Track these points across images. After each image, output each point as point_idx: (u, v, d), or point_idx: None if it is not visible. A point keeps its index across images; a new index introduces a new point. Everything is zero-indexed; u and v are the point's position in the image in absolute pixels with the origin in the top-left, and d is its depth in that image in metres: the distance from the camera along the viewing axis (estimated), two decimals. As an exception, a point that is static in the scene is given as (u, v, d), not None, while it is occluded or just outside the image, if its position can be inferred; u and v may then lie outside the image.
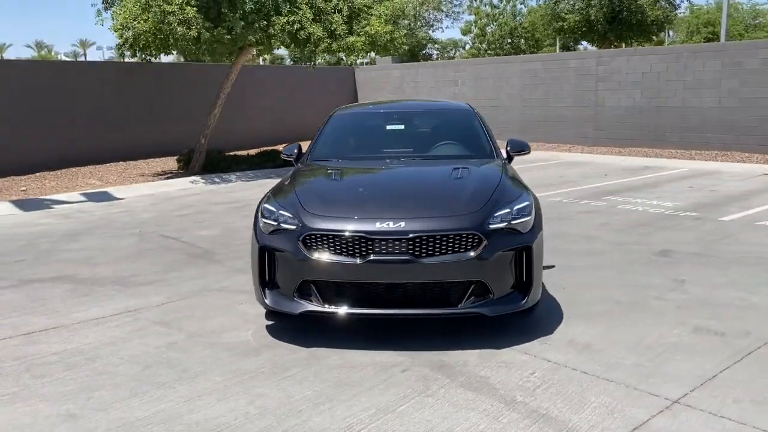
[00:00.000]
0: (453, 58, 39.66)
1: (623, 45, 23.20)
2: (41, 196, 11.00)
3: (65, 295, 5.63)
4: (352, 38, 12.98)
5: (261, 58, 19.00)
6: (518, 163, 14.37)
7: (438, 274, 4.23)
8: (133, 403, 3.67)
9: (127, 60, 15.56)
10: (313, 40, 12.89)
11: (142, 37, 11.94)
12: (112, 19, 12.36)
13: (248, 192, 11.27)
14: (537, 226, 4.56)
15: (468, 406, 3.57)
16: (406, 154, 5.80)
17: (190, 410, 3.58)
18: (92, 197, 10.92)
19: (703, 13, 36.33)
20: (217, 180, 13.10)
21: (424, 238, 4.20)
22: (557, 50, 30.49)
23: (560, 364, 4.08)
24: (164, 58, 17.31)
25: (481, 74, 19.40)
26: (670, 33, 41.23)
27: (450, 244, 4.24)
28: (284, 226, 4.44)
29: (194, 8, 11.78)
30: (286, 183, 5.12)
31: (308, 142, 6.37)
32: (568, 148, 17.07)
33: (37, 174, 14.15)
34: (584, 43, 26.81)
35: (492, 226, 4.33)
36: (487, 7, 32.94)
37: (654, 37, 24.99)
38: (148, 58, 13.32)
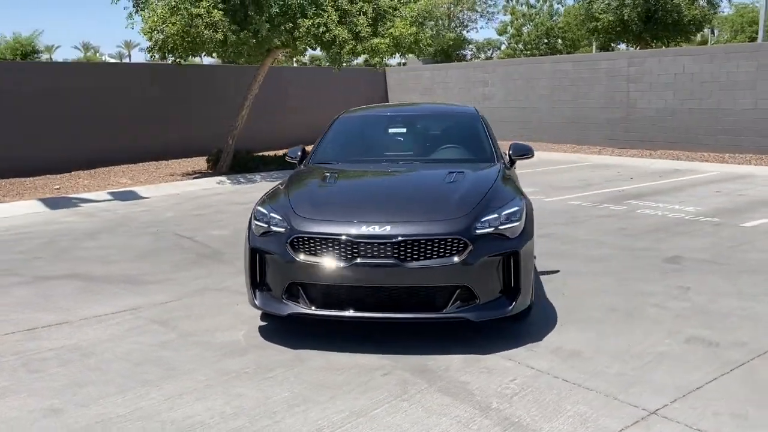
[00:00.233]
0: (490, 58, 39.45)
1: (661, 45, 22.71)
2: (70, 195, 11.33)
3: (74, 293, 5.80)
4: (376, 40, 13.03)
5: (294, 60, 19.13)
6: (542, 165, 14.40)
7: (423, 279, 4.25)
8: (116, 400, 3.77)
9: (160, 62, 15.88)
10: (338, 42, 12.99)
11: (170, 39, 12.19)
12: (143, 22, 12.64)
13: (270, 192, 11.41)
14: (527, 232, 4.53)
15: (441, 412, 3.58)
16: (406, 158, 5.82)
17: (168, 408, 3.67)
18: (119, 196, 11.20)
19: (748, 11, 35.33)
20: (242, 180, 13.29)
21: (409, 242, 4.22)
22: (594, 51, 30.04)
23: (543, 371, 4.06)
24: (205, 60, 17.66)
25: (511, 75, 19.25)
26: (715, 32, 40.26)
27: (435, 249, 4.25)
28: (274, 228, 4.51)
29: (221, 11, 11.98)
30: (282, 186, 5.19)
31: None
32: (598, 150, 16.82)
33: (72, 173, 14.57)
34: (623, 44, 26.32)
35: (478, 231, 4.32)
36: (524, 6, 32.66)
37: (692, 37, 24.41)
38: (178, 60, 13.60)
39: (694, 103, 15.52)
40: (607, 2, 21.94)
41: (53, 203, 10.43)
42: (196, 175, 14.11)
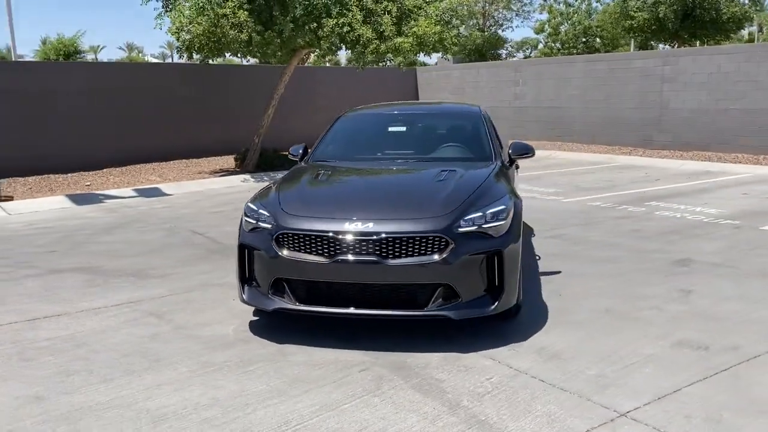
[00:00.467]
0: (529, 57, 39.04)
1: (699, 44, 22.19)
2: (96, 191, 11.64)
3: (80, 285, 5.98)
4: (399, 39, 13.05)
5: (327, 60, 19.25)
6: (569, 166, 14.23)
7: (404, 276, 4.26)
8: (99, 389, 3.89)
9: (196, 63, 16.19)
10: (362, 41, 13.05)
11: (196, 39, 12.42)
12: (171, 22, 12.90)
13: (290, 190, 11.53)
14: (513, 231, 4.51)
15: (410, 408, 3.60)
16: (404, 156, 5.84)
17: (146, 398, 3.76)
18: (143, 193, 11.46)
19: (797, 8, 34.18)
20: (266, 178, 13.45)
21: (391, 239, 4.24)
22: (632, 50, 29.51)
23: (521, 371, 4.03)
24: (241, 60, 17.87)
25: (543, 74, 19.04)
26: (764, 30, 39.06)
27: (416, 246, 4.26)
28: (261, 225, 4.58)
29: (246, 12, 12.16)
30: (274, 183, 5.26)
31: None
32: (629, 151, 16.52)
33: (104, 170, 14.97)
34: (662, 44, 25.76)
35: (461, 230, 4.32)
36: (561, 5, 32.25)
37: (732, 36, 23.75)
38: (205, 60, 13.85)
39: (728, 103, 15.13)
40: (642, 0, 21.51)
41: (79, 199, 10.73)
42: (223, 173, 14.34)
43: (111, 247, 7.45)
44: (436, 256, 4.24)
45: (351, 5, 12.97)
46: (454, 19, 14.58)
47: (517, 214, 4.67)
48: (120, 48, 71.88)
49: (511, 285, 4.45)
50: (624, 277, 6.00)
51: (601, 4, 30.69)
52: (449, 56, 16.44)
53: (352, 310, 4.35)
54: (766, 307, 5.14)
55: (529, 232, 7.94)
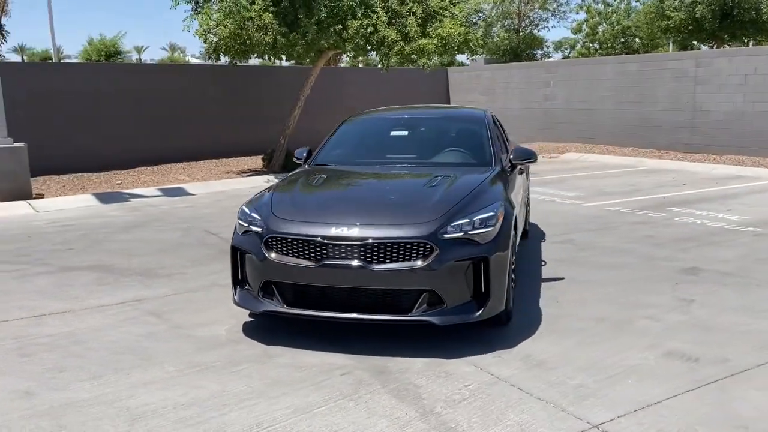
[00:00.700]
0: (567, 57, 38.52)
1: (739, 45, 21.60)
2: (123, 190, 11.93)
3: (89, 283, 6.15)
4: (423, 40, 13.05)
5: (359, 61, 19.34)
6: (596, 169, 14.06)
7: (388, 281, 4.29)
8: (85, 386, 4.01)
9: (221, 63, 16.45)
10: (386, 43, 13.09)
11: (222, 42, 12.63)
12: (199, 25, 13.14)
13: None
14: (501, 238, 4.49)
15: (383, 413, 3.62)
16: (404, 161, 5.86)
17: (130, 395, 3.87)
18: (168, 192, 11.71)
19: None
20: (290, 178, 13.58)
21: (376, 244, 4.28)
22: (670, 51, 28.88)
23: (501, 378, 4.02)
24: (273, 61, 18.11)
25: (574, 75, 18.81)
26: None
27: (401, 252, 4.28)
28: (252, 228, 4.66)
29: (271, 14, 12.31)
30: (270, 186, 5.34)
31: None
32: (660, 154, 16.21)
33: (137, 169, 15.31)
34: (703, 45, 25.15)
35: (447, 236, 4.33)
36: (600, 5, 31.74)
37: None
38: (233, 62, 14.06)
39: (765, 106, 14.72)
40: (679, 0, 21.05)
41: (105, 198, 11.02)
42: (250, 174, 14.54)
43: (126, 246, 7.65)
44: (420, 262, 4.25)
45: (376, 7, 13.02)
46: (481, 20, 14.49)
47: (508, 220, 4.65)
48: (163, 48, 73.52)
49: (498, 292, 4.44)
50: (627, 285, 5.91)
51: (641, 4, 30.07)
52: (477, 57, 16.33)
53: (337, 314, 4.40)
54: (768, 318, 5.02)
55: (539, 236, 7.88)
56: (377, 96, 20.01)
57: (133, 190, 12.03)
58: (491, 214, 4.53)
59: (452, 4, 13.62)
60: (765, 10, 20.24)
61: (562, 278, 6.13)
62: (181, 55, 64.42)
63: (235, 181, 13.32)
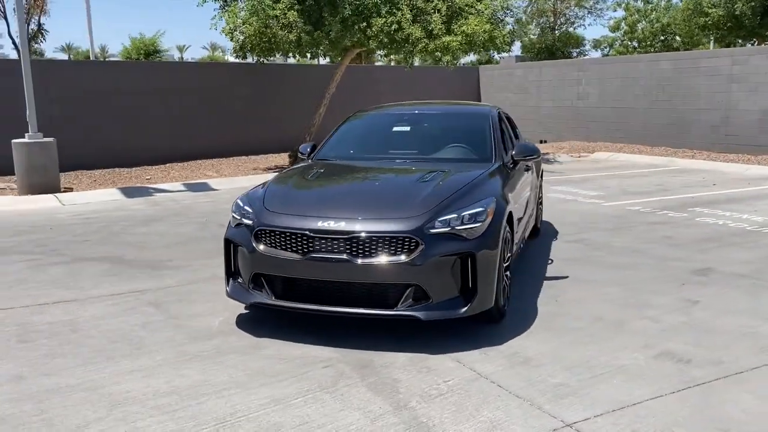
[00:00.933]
0: (606, 56, 37.86)
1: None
2: (149, 185, 12.17)
3: (98, 274, 6.29)
4: (447, 38, 12.98)
5: (391, 59, 19.34)
6: (625, 168, 13.82)
7: (374, 276, 4.29)
8: (75, 372, 4.10)
9: (245, 61, 16.65)
10: (411, 40, 13.07)
11: (247, 40, 12.78)
12: (226, 23, 13.32)
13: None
14: (490, 234, 4.45)
15: (357, 406, 3.62)
16: (404, 156, 5.85)
17: (115, 382, 3.95)
18: (192, 187, 11.89)
19: None
20: (314, 175, 13.66)
21: (361, 238, 4.28)
22: (711, 48, 28.12)
23: (483, 375, 3.99)
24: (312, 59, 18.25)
25: (606, 74, 18.48)
26: None
27: (386, 246, 4.27)
28: (244, 221, 4.71)
29: (296, 12, 12.40)
30: (267, 181, 5.39)
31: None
32: (692, 154, 15.82)
33: (167, 165, 15.59)
34: (748, 43, 24.39)
35: (433, 231, 4.30)
36: (639, 2, 31.11)
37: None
38: (261, 60, 14.20)
39: (804, 105, 14.26)
40: (717, -5, 20.50)
41: (130, 192, 11.25)
42: (275, 170, 14.67)
43: (142, 239, 7.80)
44: (405, 257, 4.24)
45: (401, 4, 13.01)
46: (508, 16, 14.36)
47: (499, 216, 4.60)
48: (204, 47, 74.71)
49: (486, 288, 4.40)
50: (634, 285, 5.79)
51: (680, 0, 29.34)
52: (504, 55, 16.21)
53: (323, 307, 4.41)
54: (773, 321, 4.86)
55: (551, 234, 7.77)
56: (407, 94, 19.97)
57: (158, 185, 12.26)
58: (480, 209, 4.49)
59: (478, 0, 13.52)
60: (808, 6, 19.58)
61: (566, 277, 6.04)
62: (221, 54, 65.36)
63: (260, 177, 13.42)
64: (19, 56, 11.98)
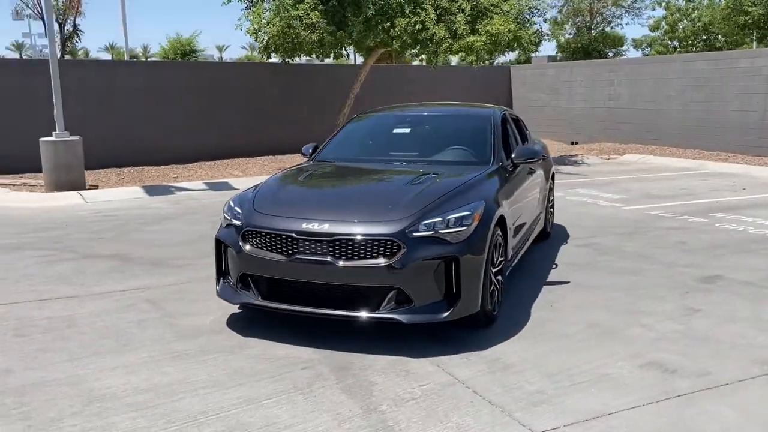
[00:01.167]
0: (646, 55, 37.12)
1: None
2: (171, 183, 12.38)
3: (103, 271, 6.43)
4: (472, 38, 12.89)
5: (421, 58, 19.31)
6: (653, 172, 13.57)
7: (356, 278, 4.29)
8: (61, 366, 4.20)
9: (272, 61, 16.77)
10: (435, 40, 13.01)
11: (271, 40, 12.90)
12: (251, 23, 13.46)
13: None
14: (476, 238, 4.40)
15: (327, 408, 3.63)
16: (402, 158, 5.83)
17: (96, 378, 4.03)
18: (214, 186, 12.06)
19: None
20: (336, 175, 13.71)
21: (344, 241, 4.28)
22: (754, 48, 27.30)
23: (460, 380, 3.95)
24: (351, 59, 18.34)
25: (639, 74, 18.11)
26: None
27: (368, 249, 4.27)
28: (234, 221, 4.75)
29: (319, 13, 12.47)
30: (260, 182, 5.43)
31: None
32: (726, 157, 15.39)
33: (195, 164, 15.81)
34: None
35: (416, 234, 4.28)
36: (681, 0, 30.39)
37: None
38: (285, 60, 14.31)
39: (844, 107, 13.76)
40: (758, -7, 19.90)
41: (152, 190, 11.46)
42: (300, 169, 14.75)
43: (153, 237, 7.93)
44: (386, 260, 4.23)
45: (425, 4, 12.96)
46: (536, 17, 14.19)
47: (487, 220, 4.55)
48: (243, 47, 75.56)
49: (470, 293, 4.35)
50: (636, 292, 5.67)
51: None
52: (538, 54, 16.03)
53: (306, 308, 4.43)
54: (773, 332, 4.71)
55: (562, 238, 7.66)
56: (435, 94, 19.90)
57: (182, 183, 12.46)
58: (467, 213, 4.44)
59: (503, 0, 13.39)
60: None
61: (568, 282, 5.95)
62: (258, 54, 66.08)
63: (283, 176, 13.54)
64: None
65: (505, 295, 5.33)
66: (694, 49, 29.82)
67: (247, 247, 4.56)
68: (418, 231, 4.29)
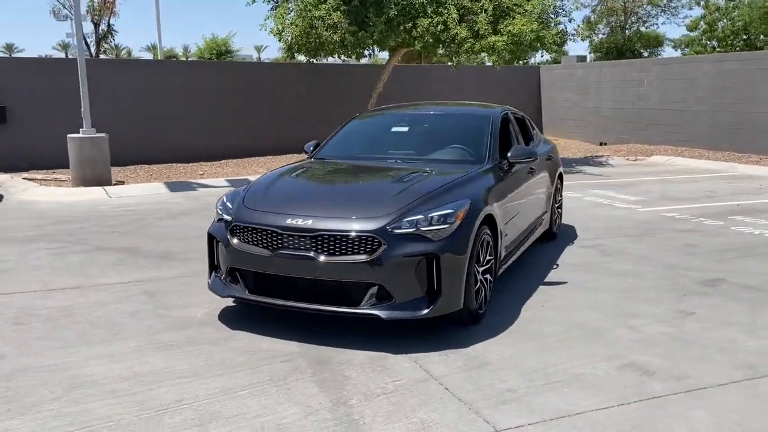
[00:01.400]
0: (685, 55, 36.38)
1: None
2: (194, 180, 12.62)
3: (110, 263, 6.61)
4: (493, 38, 12.84)
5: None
6: (678, 173, 13.38)
7: (338, 274, 4.35)
8: (53, 354, 4.35)
9: (297, 61, 16.95)
10: (456, 40, 13.00)
11: (294, 40, 13.04)
12: (275, 24, 13.63)
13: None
14: (459, 236, 4.42)
15: (298, 401, 3.69)
16: (398, 157, 5.87)
17: (81, 366, 4.16)
18: (234, 183, 12.23)
19: None
20: (357, 174, 13.80)
21: (326, 236, 4.35)
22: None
23: (434, 376, 3.98)
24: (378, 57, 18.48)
25: (669, 75, 17.79)
26: None
27: (350, 245, 4.32)
28: (224, 216, 4.87)
29: (342, 13, 12.56)
30: (255, 179, 5.53)
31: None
32: (758, 160, 15.04)
33: (222, 161, 16.08)
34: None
35: (398, 231, 4.32)
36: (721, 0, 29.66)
37: None
38: (309, 60, 14.44)
39: None
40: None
41: (174, 186, 11.70)
42: (322, 168, 14.89)
43: (165, 231, 8.12)
44: (367, 256, 4.28)
45: (448, 4, 12.96)
46: (560, 16, 14.06)
47: (472, 219, 4.56)
48: (282, 48, 76.05)
49: (452, 291, 4.38)
50: (632, 294, 5.61)
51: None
52: (570, 54, 15.86)
53: (290, 302, 4.50)
54: (765, 337, 4.62)
55: (569, 239, 7.60)
56: (460, 94, 19.83)
57: (206, 180, 12.69)
58: (450, 211, 4.46)
59: (526, 0, 13.30)
60: None
61: (565, 282, 5.91)
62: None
63: (304, 174, 13.68)
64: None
65: (498, 294, 5.35)
66: (732, 49, 29.12)
67: (235, 241, 4.66)
68: (400, 228, 4.33)
